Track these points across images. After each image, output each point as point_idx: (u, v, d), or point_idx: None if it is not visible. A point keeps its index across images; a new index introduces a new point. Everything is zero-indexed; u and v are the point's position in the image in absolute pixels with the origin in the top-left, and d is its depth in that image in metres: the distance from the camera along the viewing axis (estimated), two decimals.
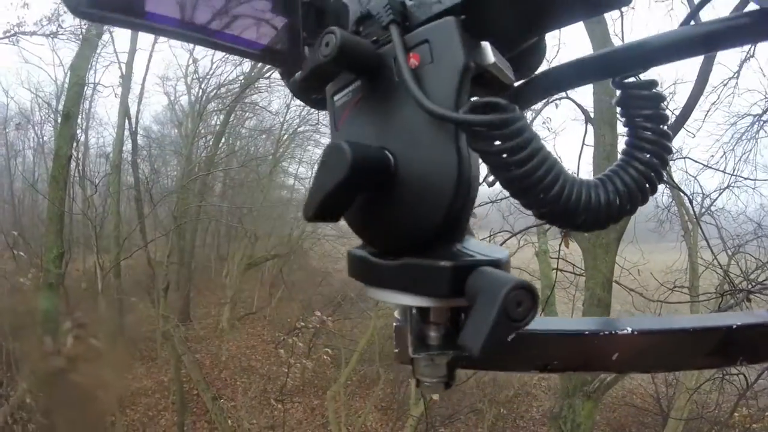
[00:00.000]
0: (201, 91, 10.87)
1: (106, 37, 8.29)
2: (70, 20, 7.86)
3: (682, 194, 6.88)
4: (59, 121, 8.49)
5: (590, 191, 0.36)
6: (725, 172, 7.03)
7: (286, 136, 11.75)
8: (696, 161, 6.90)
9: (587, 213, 0.36)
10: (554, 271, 5.48)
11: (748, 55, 5.65)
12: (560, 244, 4.53)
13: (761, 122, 7.21)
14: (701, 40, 0.39)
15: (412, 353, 0.43)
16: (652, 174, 0.39)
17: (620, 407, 9.05)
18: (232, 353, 10.49)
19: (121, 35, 8.93)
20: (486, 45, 0.38)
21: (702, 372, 5.85)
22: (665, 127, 0.40)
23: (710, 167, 6.83)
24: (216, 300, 12.38)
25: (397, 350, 0.52)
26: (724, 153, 7.17)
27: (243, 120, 11.93)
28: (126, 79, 9.34)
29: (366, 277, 0.42)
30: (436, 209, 0.37)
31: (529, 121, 0.44)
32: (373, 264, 0.41)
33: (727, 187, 7.25)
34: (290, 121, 11.54)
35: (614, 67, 0.42)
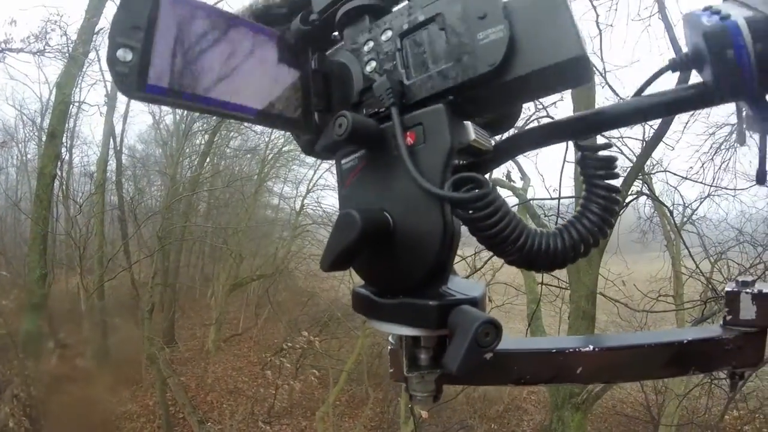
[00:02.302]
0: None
1: (92, 55, 8.29)
2: (57, 38, 7.88)
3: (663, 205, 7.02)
4: (44, 139, 8.43)
5: (549, 241, 0.45)
6: (704, 183, 7.19)
7: (271, 156, 11.77)
8: (675, 174, 7.06)
9: (546, 258, 0.45)
10: (539, 285, 5.54)
11: None
12: None
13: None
14: (651, 110, 0.47)
15: (406, 372, 0.52)
16: (603, 223, 0.48)
17: (611, 417, 9.09)
18: (218, 375, 10.36)
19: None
20: (468, 124, 0.47)
21: (690, 378, 5.93)
22: (615, 184, 0.48)
23: (689, 179, 6.98)
24: (201, 321, 12.25)
25: (392, 370, 0.60)
26: (703, 164, 7.34)
27: (228, 140, 11.92)
28: (111, 98, 9.31)
29: (369, 313, 0.51)
30: (425, 261, 0.46)
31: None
32: (375, 302, 0.50)
33: (708, 196, 7.41)
34: (275, 141, 11.58)
35: (575, 131, 0.51)
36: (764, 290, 0.60)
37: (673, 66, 0.47)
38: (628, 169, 5.03)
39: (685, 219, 7.65)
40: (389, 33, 0.50)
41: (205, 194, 11.85)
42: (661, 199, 6.72)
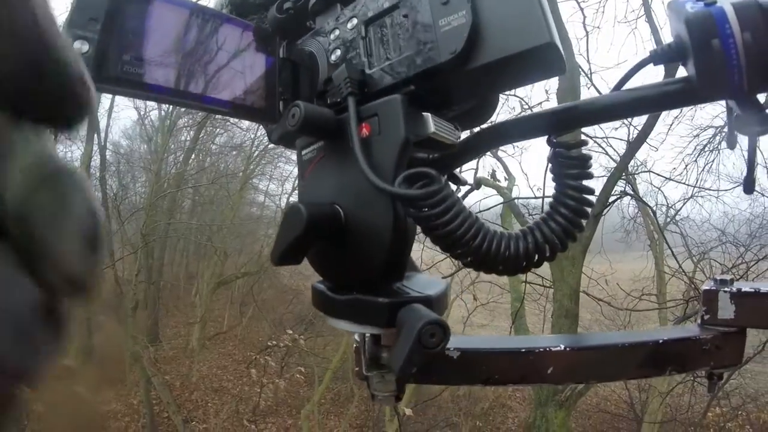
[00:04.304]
0: (171, 106, 10.72)
1: None
2: None
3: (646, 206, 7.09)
4: None
5: (510, 242, 0.43)
6: (687, 185, 7.27)
7: (256, 153, 11.65)
8: (659, 174, 7.12)
9: (506, 261, 0.43)
10: (523, 284, 5.56)
11: None
12: None
13: (723, 134, 7.46)
14: (630, 106, 0.44)
15: (365, 371, 0.51)
16: (572, 226, 0.45)
17: (595, 414, 9.17)
18: (202, 374, 10.27)
19: None
20: (428, 116, 0.44)
21: (673, 376, 6.00)
22: (587, 184, 0.45)
23: (673, 180, 7.05)
24: (185, 319, 12.14)
25: (357, 368, 0.58)
26: (686, 166, 7.41)
27: (213, 136, 11.76)
28: (96, 93, 9.14)
29: (325, 308, 0.50)
30: (377, 257, 0.44)
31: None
32: (330, 298, 0.48)
33: (691, 197, 7.49)
34: (261, 138, 11.43)
35: (548, 126, 0.48)
36: (743, 289, 0.58)
37: (654, 58, 0.43)
38: (612, 169, 5.07)
39: (668, 219, 7.74)
40: (354, 21, 0.48)
41: (190, 191, 11.71)
42: (644, 199, 6.79)
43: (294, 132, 0.45)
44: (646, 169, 7.01)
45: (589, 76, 5.57)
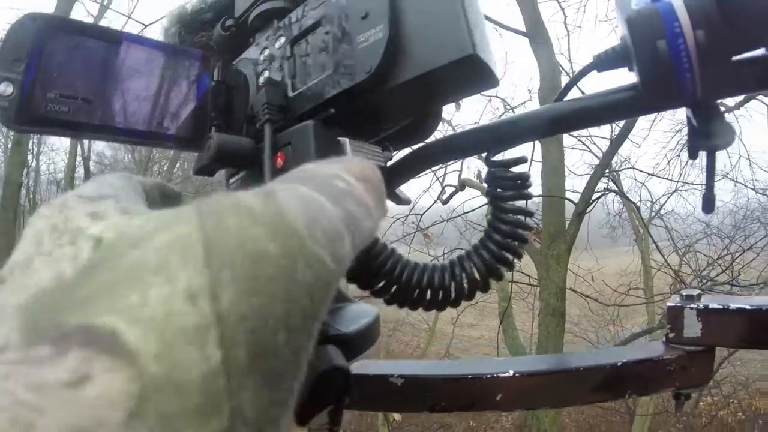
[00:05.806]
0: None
1: None
2: None
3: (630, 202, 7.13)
4: (9, 146, 8.17)
5: (433, 275, 0.39)
6: (670, 179, 7.31)
7: None
8: (642, 171, 7.15)
9: (430, 294, 0.39)
10: (509, 283, 5.56)
11: None
12: None
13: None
14: (573, 118, 0.39)
15: None
16: (508, 252, 0.40)
17: (587, 409, 9.15)
18: None
19: None
20: (344, 142, 0.40)
21: None
22: (525, 206, 0.40)
23: (655, 175, 7.08)
24: None
25: None
26: (669, 161, 7.47)
27: None
28: None
29: None
30: None
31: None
32: None
33: (675, 191, 7.54)
34: None
35: (486, 143, 0.43)
36: (711, 305, 0.54)
37: (597, 64, 0.37)
38: (596, 166, 5.11)
39: (653, 214, 7.79)
40: (282, 39, 0.44)
41: None
42: (629, 195, 6.83)
43: (210, 164, 0.42)
44: (629, 166, 7.07)
45: (570, 75, 5.59)
